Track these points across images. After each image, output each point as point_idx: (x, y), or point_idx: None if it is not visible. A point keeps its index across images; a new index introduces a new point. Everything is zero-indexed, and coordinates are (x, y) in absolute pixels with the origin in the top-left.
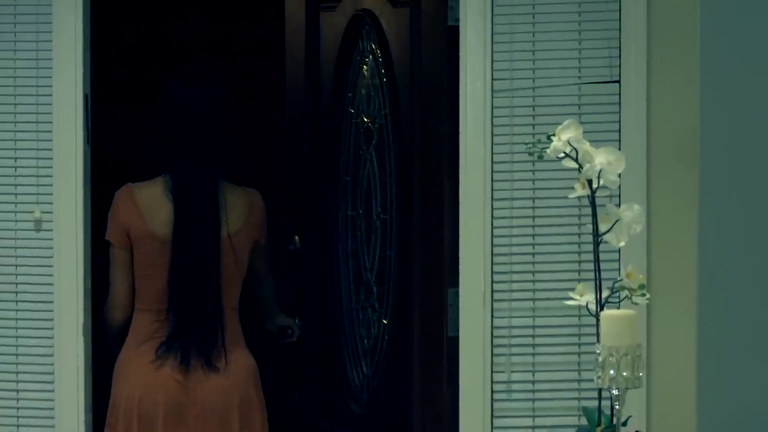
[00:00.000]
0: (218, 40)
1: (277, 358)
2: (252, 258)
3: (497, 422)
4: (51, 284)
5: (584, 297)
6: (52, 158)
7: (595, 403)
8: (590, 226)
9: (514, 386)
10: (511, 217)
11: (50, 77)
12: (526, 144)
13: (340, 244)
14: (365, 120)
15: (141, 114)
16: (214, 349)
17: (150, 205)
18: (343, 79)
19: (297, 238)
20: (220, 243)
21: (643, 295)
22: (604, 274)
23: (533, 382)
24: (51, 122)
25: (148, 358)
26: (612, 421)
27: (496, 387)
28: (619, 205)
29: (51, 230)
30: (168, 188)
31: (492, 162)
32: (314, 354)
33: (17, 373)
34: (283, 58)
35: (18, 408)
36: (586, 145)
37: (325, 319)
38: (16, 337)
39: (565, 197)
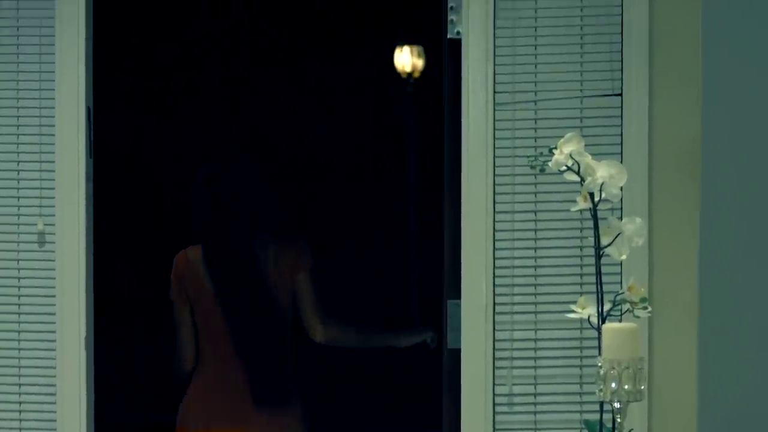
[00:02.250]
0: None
1: None
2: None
3: None
4: (53, 296)
5: (586, 310)
6: (54, 170)
7: (597, 416)
8: (592, 239)
9: (516, 399)
10: (513, 230)
11: (53, 89)
12: (528, 157)
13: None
14: None
15: (143, 121)
16: (279, 388)
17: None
18: None
19: None
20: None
21: (645, 308)
22: (605, 287)
23: (535, 395)
24: (54, 135)
25: (219, 402)
26: None
27: (498, 400)
28: (621, 218)
29: (54, 242)
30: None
31: (494, 174)
32: None
33: (20, 385)
34: None
35: (20, 420)
36: (588, 158)
37: None
38: (19, 349)
39: (567, 210)
